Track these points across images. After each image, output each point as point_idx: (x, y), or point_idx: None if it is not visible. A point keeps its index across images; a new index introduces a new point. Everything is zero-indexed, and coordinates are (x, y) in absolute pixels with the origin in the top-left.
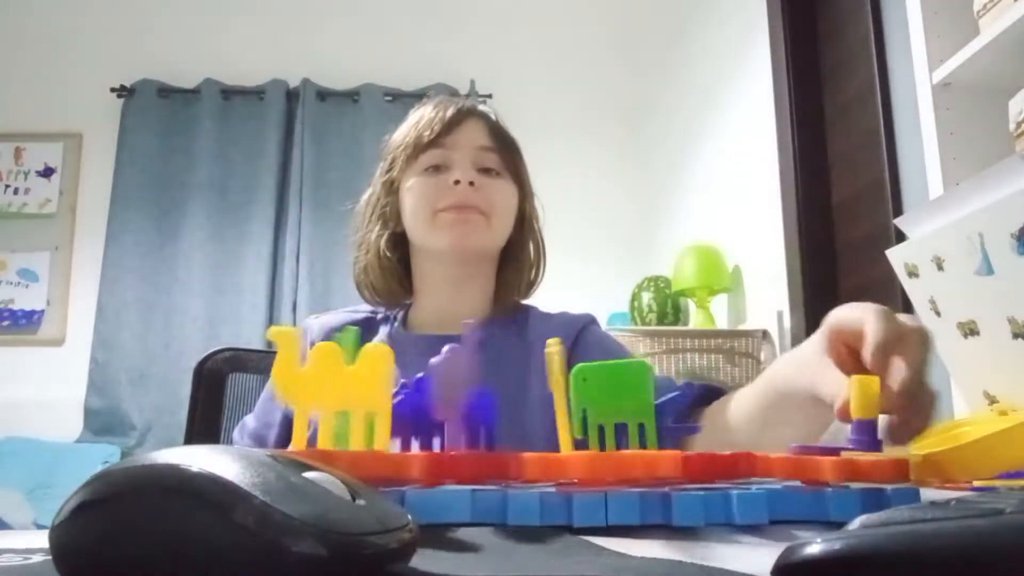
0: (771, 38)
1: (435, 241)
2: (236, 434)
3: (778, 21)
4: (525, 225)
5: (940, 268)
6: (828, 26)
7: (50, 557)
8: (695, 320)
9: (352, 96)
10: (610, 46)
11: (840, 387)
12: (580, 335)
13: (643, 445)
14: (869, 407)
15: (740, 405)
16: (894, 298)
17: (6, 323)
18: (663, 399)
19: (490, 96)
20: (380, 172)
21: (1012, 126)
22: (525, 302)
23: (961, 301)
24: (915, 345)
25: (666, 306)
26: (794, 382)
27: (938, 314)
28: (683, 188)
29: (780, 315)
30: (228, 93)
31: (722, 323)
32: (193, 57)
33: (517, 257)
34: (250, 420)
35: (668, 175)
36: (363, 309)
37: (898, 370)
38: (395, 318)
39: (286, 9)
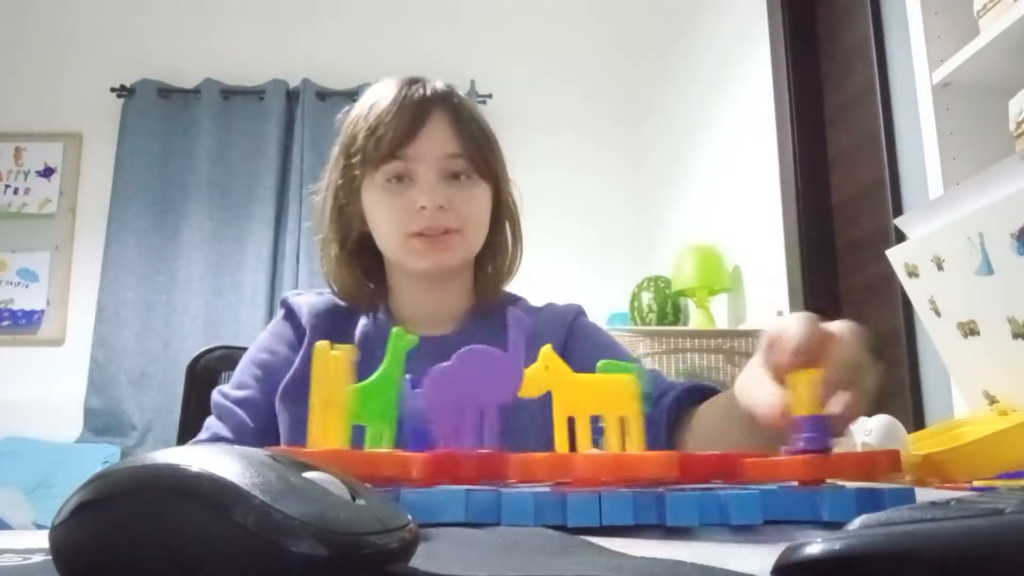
0: (771, 38)
1: (409, 264)
2: (217, 396)
3: (778, 21)
4: (501, 214)
5: (940, 268)
6: (828, 26)
7: (50, 557)
8: (695, 320)
9: (352, 96)
10: (610, 46)
11: (772, 401)
12: (571, 329)
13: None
14: (814, 403)
15: (709, 417)
16: (894, 298)
17: (6, 323)
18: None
19: (490, 96)
20: (337, 162)
21: (1012, 126)
22: (511, 293)
23: (961, 301)
24: (841, 343)
25: (666, 306)
26: (735, 405)
27: (938, 314)
28: (683, 188)
29: (780, 315)
30: (228, 93)
31: (722, 323)
32: (193, 57)
33: (494, 247)
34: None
35: (668, 175)
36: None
37: (828, 367)
38: (376, 310)
39: (286, 9)
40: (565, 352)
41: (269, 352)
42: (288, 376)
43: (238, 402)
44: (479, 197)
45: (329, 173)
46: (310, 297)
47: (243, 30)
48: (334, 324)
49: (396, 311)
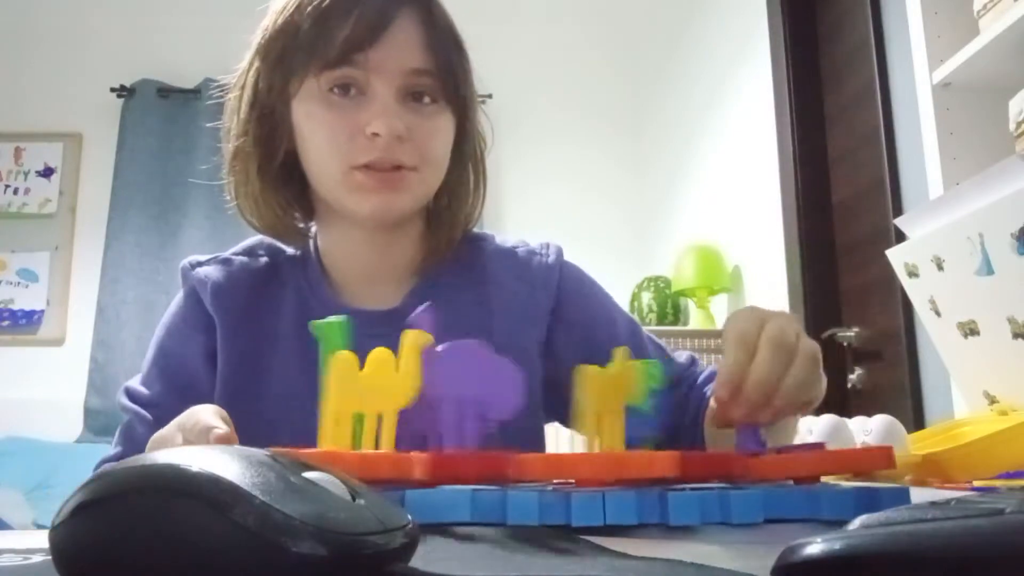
0: (771, 38)
1: (348, 204)
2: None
3: (778, 21)
4: (464, 148)
5: (940, 268)
6: (828, 26)
7: (50, 557)
8: (695, 320)
9: None
10: (611, 46)
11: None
12: (560, 289)
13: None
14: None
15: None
16: (894, 298)
17: (6, 323)
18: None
19: (490, 96)
20: (265, 53)
21: (1012, 126)
22: (474, 232)
23: (961, 301)
24: (765, 343)
25: (666, 306)
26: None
27: (938, 314)
28: (683, 188)
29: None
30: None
31: (722, 323)
32: (193, 57)
33: (451, 190)
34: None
35: (668, 175)
36: (259, 250)
37: (754, 367)
38: (305, 265)
39: None
40: (554, 317)
41: (179, 355)
42: (218, 387)
43: (154, 417)
44: (443, 129)
45: (247, 66)
46: (212, 270)
47: (243, 30)
48: (248, 306)
49: (329, 266)
